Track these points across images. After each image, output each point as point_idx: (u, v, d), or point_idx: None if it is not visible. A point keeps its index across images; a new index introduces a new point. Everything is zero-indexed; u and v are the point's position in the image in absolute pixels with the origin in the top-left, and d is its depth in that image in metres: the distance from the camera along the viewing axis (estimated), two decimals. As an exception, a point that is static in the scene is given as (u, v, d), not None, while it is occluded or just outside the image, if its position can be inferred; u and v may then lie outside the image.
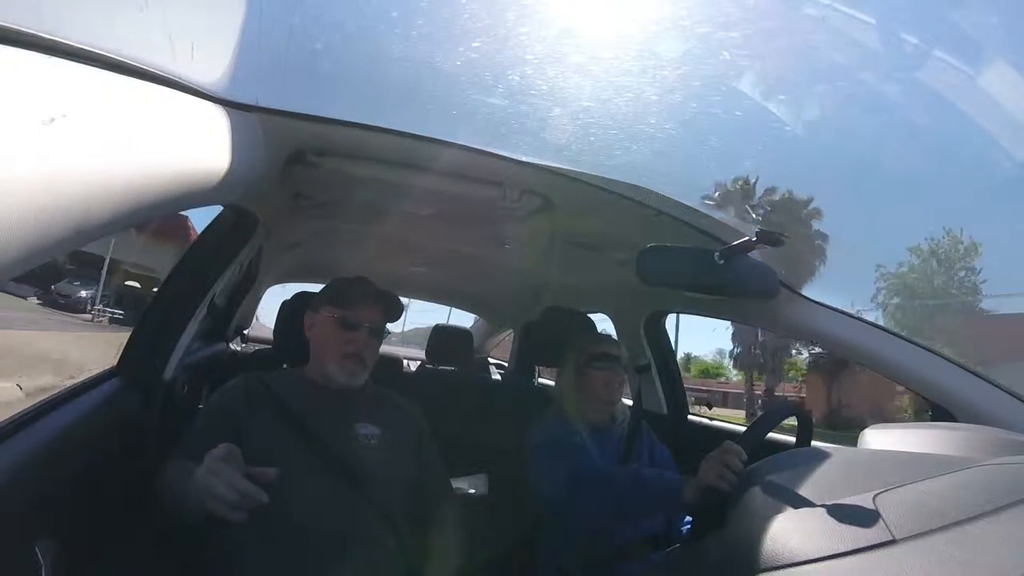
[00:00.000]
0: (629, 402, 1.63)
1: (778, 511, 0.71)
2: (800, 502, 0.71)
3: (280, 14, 0.87)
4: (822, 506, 0.67)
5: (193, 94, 0.72)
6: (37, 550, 0.69)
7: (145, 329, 1.24)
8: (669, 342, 2.11)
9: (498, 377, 2.85)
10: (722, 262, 1.11)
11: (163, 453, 1.07)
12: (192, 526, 0.98)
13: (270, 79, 0.93)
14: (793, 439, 1.17)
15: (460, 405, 1.79)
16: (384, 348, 1.27)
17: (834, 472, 0.79)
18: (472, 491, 1.75)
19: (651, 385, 2.02)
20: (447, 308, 3.45)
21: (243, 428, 1.05)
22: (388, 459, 1.14)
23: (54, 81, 0.46)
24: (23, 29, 0.42)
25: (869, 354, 1.28)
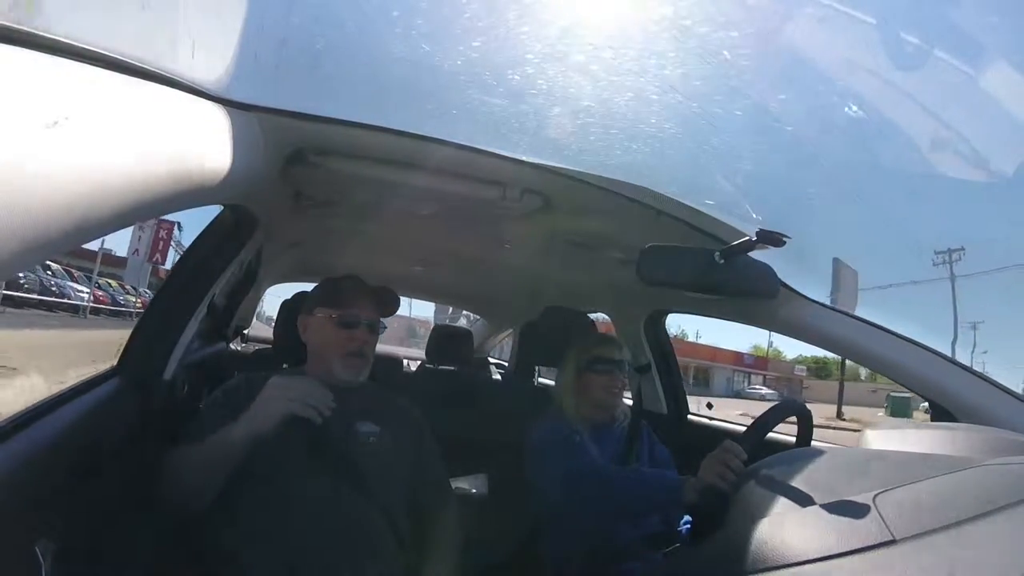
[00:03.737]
0: (629, 402, 1.63)
1: (778, 511, 0.71)
2: (800, 502, 0.71)
3: (280, 14, 0.87)
4: (822, 506, 0.67)
5: (193, 94, 0.72)
6: (37, 550, 0.69)
7: (145, 329, 1.24)
8: (669, 342, 2.11)
9: (498, 377, 2.85)
10: (722, 262, 1.11)
11: (163, 453, 1.07)
12: (201, 519, 0.99)
13: (270, 79, 0.93)
14: (793, 439, 1.17)
15: (460, 405, 1.79)
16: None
17: (834, 472, 0.79)
18: (472, 491, 1.76)
19: (651, 385, 2.02)
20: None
21: None
22: (387, 458, 1.14)
23: (55, 81, 0.46)
24: (23, 29, 0.42)
25: (869, 354, 1.28)
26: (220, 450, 0.98)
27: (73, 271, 12.83)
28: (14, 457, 0.71)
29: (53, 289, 11.42)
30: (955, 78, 1.01)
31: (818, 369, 34.27)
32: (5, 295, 10.03)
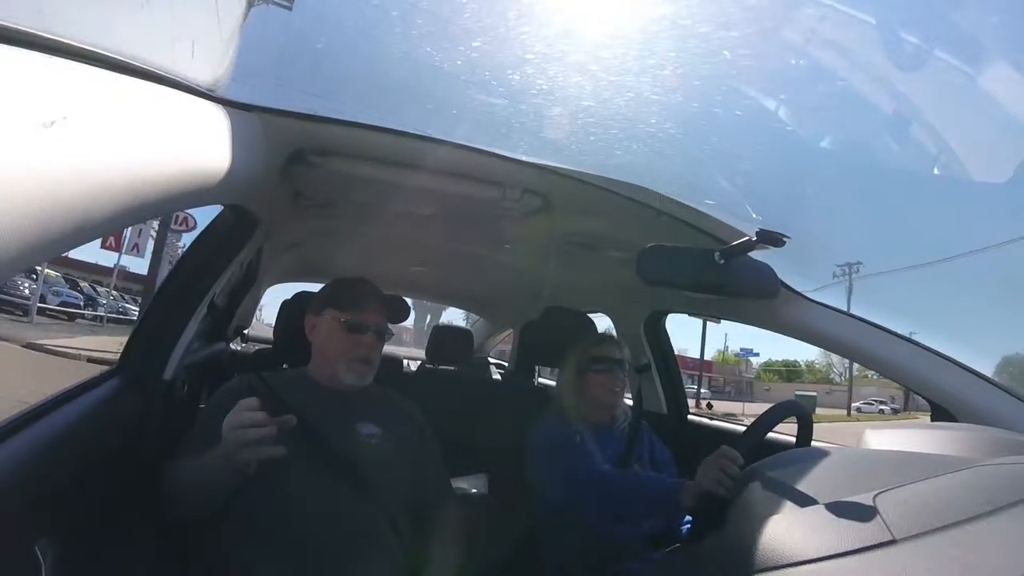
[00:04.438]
0: (629, 402, 1.63)
1: (778, 511, 0.71)
2: (800, 502, 0.71)
3: (280, 14, 0.87)
4: (822, 506, 0.67)
5: (193, 94, 0.72)
6: (37, 550, 0.69)
7: (145, 328, 1.24)
8: (669, 342, 2.11)
9: (498, 377, 2.85)
10: (722, 262, 1.11)
11: (163, 453, 1.07)
12: (201, 519, 0.99)
13: (270, 79, 0.93)
14: (793, 439, 1.17)
15: (460, 405, 1.79)
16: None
17: (834, 472, 0.79)
18: (472, 491, 1.75)
19: (651, 385, 2.02)
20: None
21: None
22: (389, 458, 1.14)
23: (54, 81, 0.46)
24: (23, 29, 0.42)
25: (869, 354, 1.28)
26: (212, 474, 0.95)
27: (124, 295, 16.57)
28: (14, 457, 0.71)
29: (121, 309, 15.37)
30: (955, 78, 1.01)
31: (788, 373, 36.81)
32: (110, 316, 14.10)
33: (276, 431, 0.88)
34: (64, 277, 13.77)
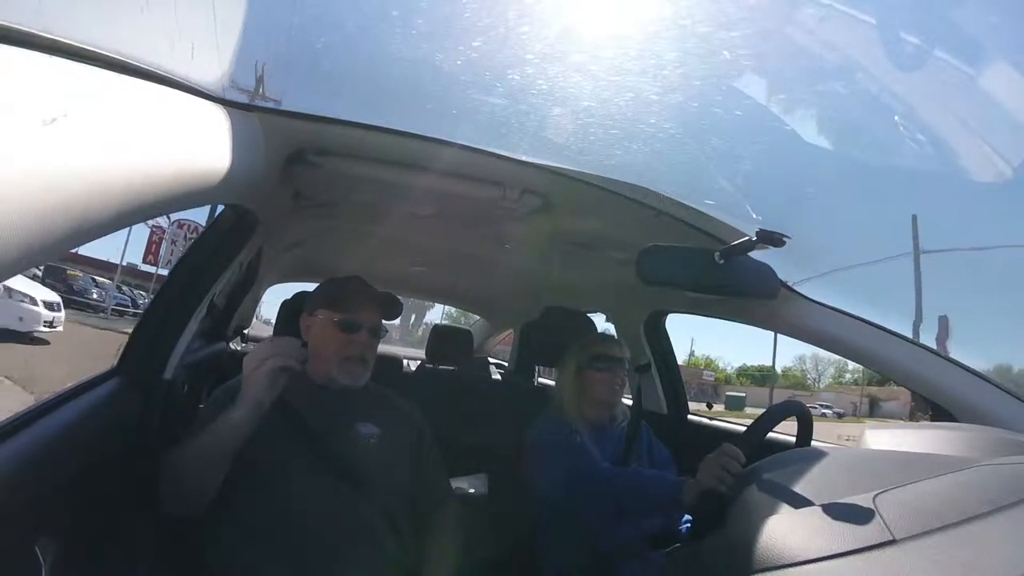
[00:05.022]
0: (629, 401, 1.63)
1: (778, 511, 0.71)
2: (800, 502, 0.71)
3: (280, 14, 0.87)
4: (822, 506, 0.67)
5: (193, 94, 0.73)
6: (37, 550, 0.69)
7: (145, 329, 1.24)
8: (669, 342, 2.11)
9: (498, 377, 2.85)
10: (722, 262, 1.11)
11: (163, 453, 1.07)
12: (201, 519, 0.99)
13: (270, 79, 0.93)
14: (793, 439, 1.17)
15: (460, 405, 1.79)
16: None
17: (834, 472, 0.79)
18: (472, 491, 1.75)
19: (651, 384, 2.02)
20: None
21: None
22: (388, 459, 1.14)
23: (54, 81, 0.46)
24: (23, 29, 0.42)
25: (869, 354, 1.28)
26: (217, 437, 0.97)
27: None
28: (14, 457, 0.71)
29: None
30: (955, 78, 1.01)
31: (762, 377, 38.53)
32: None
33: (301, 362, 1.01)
34: (117, 284, 16.99)
